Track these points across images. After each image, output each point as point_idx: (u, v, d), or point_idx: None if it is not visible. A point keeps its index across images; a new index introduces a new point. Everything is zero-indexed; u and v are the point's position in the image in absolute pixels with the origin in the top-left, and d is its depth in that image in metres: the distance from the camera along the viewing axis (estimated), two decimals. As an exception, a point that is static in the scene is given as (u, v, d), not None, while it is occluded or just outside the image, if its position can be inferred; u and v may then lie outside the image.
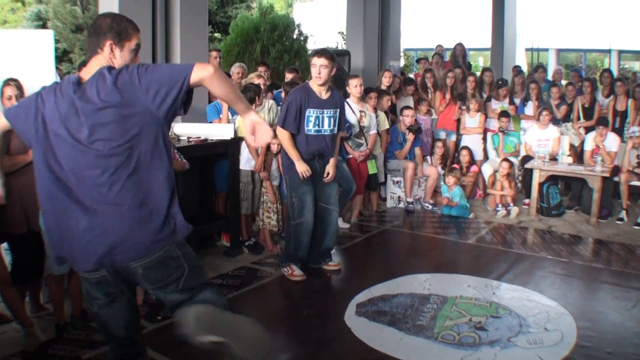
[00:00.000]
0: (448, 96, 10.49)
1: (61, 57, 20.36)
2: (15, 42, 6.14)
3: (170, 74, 2.80)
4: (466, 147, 9.93)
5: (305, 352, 4.74)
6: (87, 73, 2.89)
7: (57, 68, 7.28)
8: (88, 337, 4.80)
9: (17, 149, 4.83)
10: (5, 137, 3.32)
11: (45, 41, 6.27)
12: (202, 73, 2.79)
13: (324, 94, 6.08)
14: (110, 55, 2.94)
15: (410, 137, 9.25)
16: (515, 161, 9.79)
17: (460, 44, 13.33)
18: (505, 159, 9.24)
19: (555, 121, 10.02)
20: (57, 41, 19.72)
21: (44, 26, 21.31)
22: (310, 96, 6.02)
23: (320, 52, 5.99)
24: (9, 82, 4.93)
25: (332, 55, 6.02)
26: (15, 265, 4.97)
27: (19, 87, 4.95)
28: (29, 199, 4.75)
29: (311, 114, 5.99)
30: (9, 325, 5.04)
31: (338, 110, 6.18)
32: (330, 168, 6.20)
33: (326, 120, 6.07)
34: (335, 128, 6.20)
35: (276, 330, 5.11)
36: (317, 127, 6.04)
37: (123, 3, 7.03)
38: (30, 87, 5.11)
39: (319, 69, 5.91)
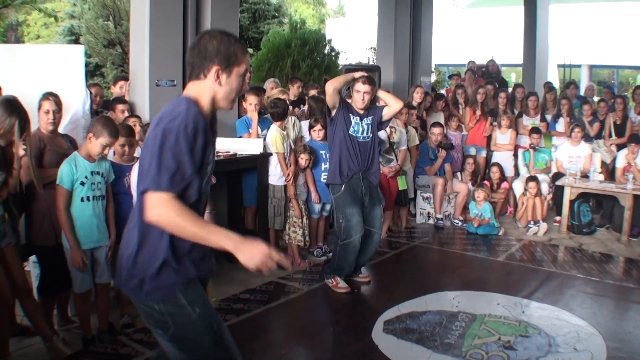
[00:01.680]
0: (478, 112, 10.46)
1: (93, 71, 20.60)
2: (47, 56, 6.24)
3: (150, 166, 2.62)
4: (497, 164, 9.90)
5: (332, 369, 4.73)
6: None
7: (92, 84, 7.34)
8: (115, 351, 4.86)
9: (50, 162, 4.91)
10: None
11: (75, 56, 6.36)
12: (153, 212, 2.61)
13: (362, 112, 6.24)
14: (215, 82, 2.81)
15: (442, 154, 9.26)
16: (547, 178, 9.72)
17: (492, 61, 13.33)
18: (533, 178, 9.18)
19: (587, 138, 9.96)
20: (89, 56, 19.92)
21: (76, 41, 21.55)
22: (350, 107, 6.22)
23: (365, 79, 6.11)
24: (48, 96, 4.98)
25: (375, 81, 6.28)
26: (43, 278, 5.02)
27: (58, 103, 5.00)
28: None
29: (352, 119, 6.18)
30: (36, 337, 5.06)
31: (377, 115, 6.33)
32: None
33: (366, 127, 6.20)
34: (372, 140, 6.33)
35: (303, 345, 5.13)
36: (357, 134, 6.19)
37: (153, 21, 7.14)
38: (62, 102, 5.21)
39: (363, 95, 6.09)
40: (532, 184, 9.06)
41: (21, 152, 4.47)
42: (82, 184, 4.74)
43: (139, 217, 2.72)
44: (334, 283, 6.36)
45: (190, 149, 2.64)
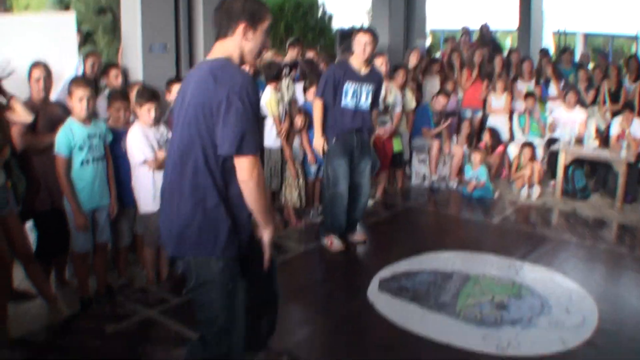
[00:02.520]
0: (475, 73, 10.45)
1: (85, 39, 20.32)
2: (38, 25, 6.17)
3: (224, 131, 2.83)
4: (490, 129, 9.91)
5: (327, 327, 4.81)
6: (217, 54, 3.01)
7: (91, 53, 7.28)
8: (113, 311, 4.91)
9: (43, 129, 4.91)
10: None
11: (67, 24, 6.29)
12: (243, 173, 2.87)
13: (363, 70, 6.22)
14: (242, 39, 2.96)
15: (448, 122, 9.26)
16: (541, 142, 9.75)
17: (485, 25, 13.31)
18: (528, 144, 9.21)
19: (582, 104, 9.97)
20: (80, 23, 19.68)
21: (66, 9, 21.27)
22: (348, 71, 6.16)
23: (366, 30, 6.20)
24: (37, 64, 5.00)
25: (375, 32, 6.23)
26: (40, 242, 5.05)
27: (47, 70, 5.01)
28: (52, 178, 4.83)
29: (349, 87, 6.13)
30: (33, 301, 5.11)
31: (375, 86, 6.32)
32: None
33: (364, 95, 6.22)
34: (372, 103, 6.33)
35: (299, 304, 5.18)
36: (355, 100, 6.18)
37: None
38: (54, 70, 5.19)
39: (364, 46, 6.06)
40: (526, 150, 9.08)
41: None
42: (81, 148, 4.73)
43: (194, 185, 2.93)
44: (329, 243, 6.40)
45: (255, 113, 2.86)
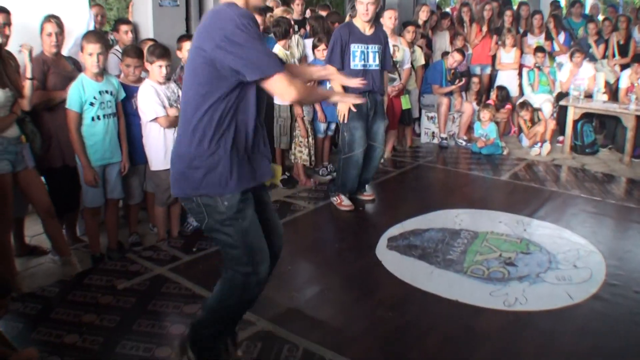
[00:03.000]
0: (485, 29, 10.37)
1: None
2: None
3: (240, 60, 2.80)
4: (499, 86, 9.87)
5: (336, 285, 4.85)
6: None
7: (94, 5, 7.25)
8: (124, 268, 4.98)
9: (54, 84, 4.93)
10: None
11: None
12: (282, 92, 2.87)
13: (367, 30, 6.19)
14: None
15: (462, 82, 9.24)
16: (550, 98, 9.71)
17: None
18: (522, 105, 9.21)
19: (591, 58, 9.91)
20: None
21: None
22: (354, 32, 6.13)
23: None
24: (50, 18, 4.94)
25: None
26: (52, 199, 5.09)
27: (60, 25, 4.97)
28: (64, 135, 4.89)
29: (356, 49, 6.10)
30: (45, 257, 5.23)
31: (382, 45, 6.29)
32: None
33: (371, 55, 6.18)
34: (381, 63, 6.28)
35: (308, 262, 5.24)
36: (363, 62, 6.14)
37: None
38: (65, 24, 5.18)
39: (367, 6, 5.98)
40: (523, 111, 9.12)
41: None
42: (92, 104, 4.78)
43: (195, 121, 2.93)
44: (338, 201, 6.46)
45: (258, 37, 2.81)
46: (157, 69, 5.11)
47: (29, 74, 4.58)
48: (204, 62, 2.85)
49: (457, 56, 9.21)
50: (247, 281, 3.15)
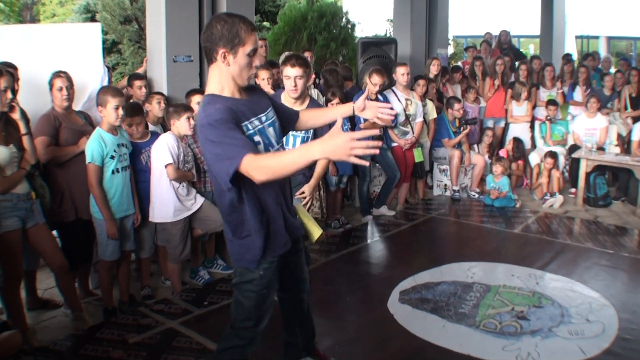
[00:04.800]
0: (497, 82, 10.44)
1: (110, 48, 20.46)
2: (64, 35, 6.25)
3: (216, 158, 2.91)
4: (515, 138, 9.90)
5: (348, 338, 4.85)
6: (209, 83, 3.14)
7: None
8: (135, 321, 5.00)
9: (66, 139, 5.01)
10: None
11: (93, 34, 6.36)
12: (254, 176, 2.79)
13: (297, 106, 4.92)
14: (224, 64, 3.01)
15: (467, 130, 9.26)
16: (563, 150, 9.74)
17: (504, 31, 13.34)
18: (552, 154, 9.19)
19: (606, 108, 9.96)
20: (105, 33, 19.73)
21: (92, 18, 21.35)
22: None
23: (295, 61, 4.90)
24: (59, 74, 5.05)
25: (307, 62, 5.03)
26: (64, 252, 5.12)
27: (69, 79, 5.07)
28: (76, 189, 4.99)
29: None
30: (58, 310, 5.25)
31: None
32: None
33: (291, 139, 5.13)
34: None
35: (320, 315, 5.22)
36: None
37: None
38: (79, 80, 5.29)
39: (294, 80, 4.87)
40: (549, 159, 9.08)
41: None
42: (112, 157, 4.88)
43: (229, 211, 3.20)
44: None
45: (230, 128, 2.88)
46: (185, 120, 5.32)
47: (23, 130, 4.62)
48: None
49: (455, 106, 9.28)
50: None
